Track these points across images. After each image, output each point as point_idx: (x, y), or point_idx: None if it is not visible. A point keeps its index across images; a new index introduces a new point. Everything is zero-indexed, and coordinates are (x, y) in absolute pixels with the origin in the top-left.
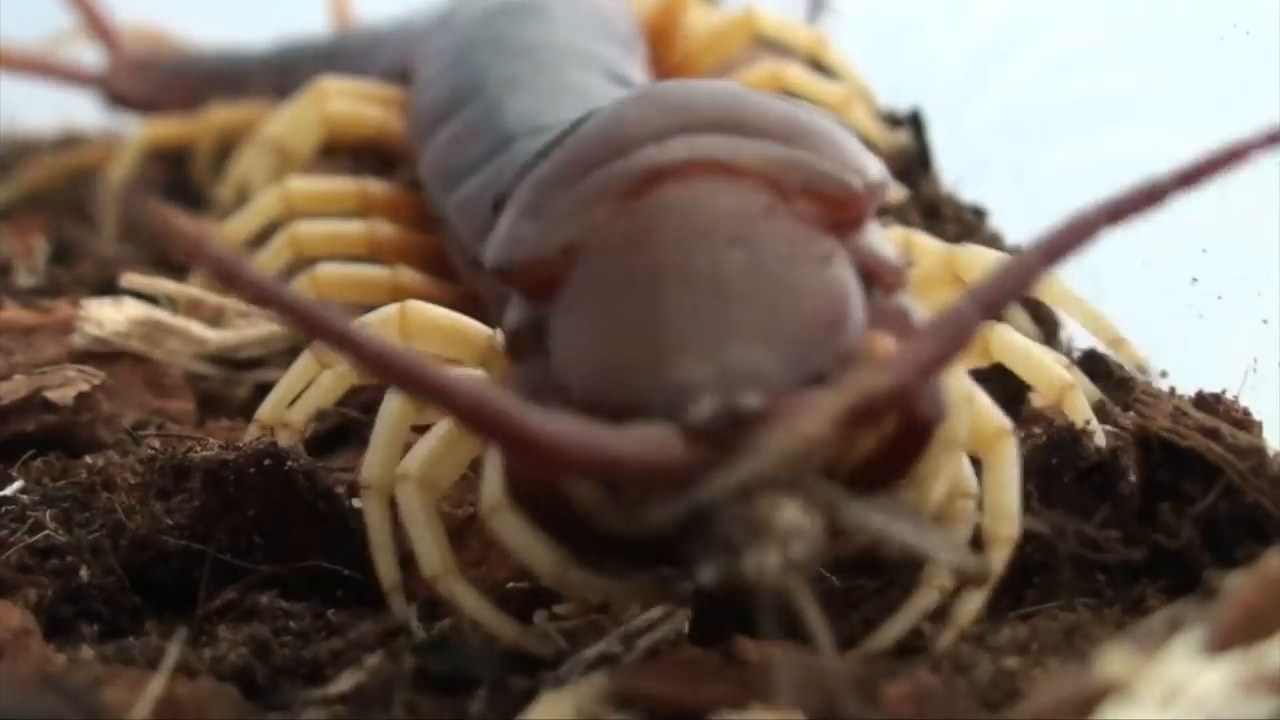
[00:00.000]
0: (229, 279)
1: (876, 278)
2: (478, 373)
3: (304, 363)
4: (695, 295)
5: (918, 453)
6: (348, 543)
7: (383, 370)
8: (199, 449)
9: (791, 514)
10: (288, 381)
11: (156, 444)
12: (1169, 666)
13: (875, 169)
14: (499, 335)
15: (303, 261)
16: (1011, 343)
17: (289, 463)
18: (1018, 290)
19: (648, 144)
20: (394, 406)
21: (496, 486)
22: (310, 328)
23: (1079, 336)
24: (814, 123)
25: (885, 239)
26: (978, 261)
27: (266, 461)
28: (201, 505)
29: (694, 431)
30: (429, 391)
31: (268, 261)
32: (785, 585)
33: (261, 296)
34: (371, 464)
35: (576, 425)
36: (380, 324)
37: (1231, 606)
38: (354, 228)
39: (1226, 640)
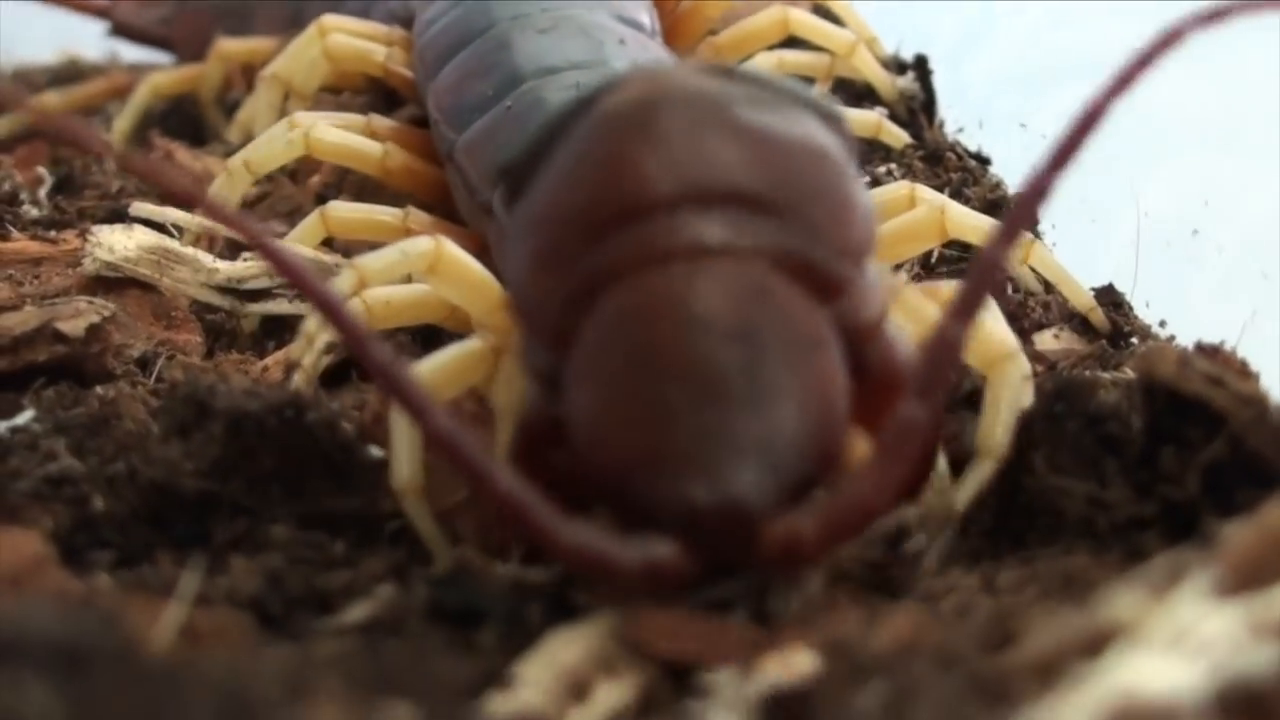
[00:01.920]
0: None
1: (863, 334)
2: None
3: (348, 279)
4: (697, 400)
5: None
6: (363, 492)
7: (435, 438)
8: (221, 386)
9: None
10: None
11: (179, 373)
12: (1177, 609)
13: (867, 224)
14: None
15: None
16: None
17: (310, 414)
18: (947, 368)
19: (658, 211)
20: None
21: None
22: (365, 359)
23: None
24: (821, 182)
25: (872, 284)
26: (965, 221)
27: (288, 412)
28: (221, 453)
29: (691, 538)
30: (471, 471)
31: (276, 153)
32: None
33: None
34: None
35: (588, 533)
36: (415, 256)
37: (1234, 554)
38: (371, 146)
39: (1233, 585)
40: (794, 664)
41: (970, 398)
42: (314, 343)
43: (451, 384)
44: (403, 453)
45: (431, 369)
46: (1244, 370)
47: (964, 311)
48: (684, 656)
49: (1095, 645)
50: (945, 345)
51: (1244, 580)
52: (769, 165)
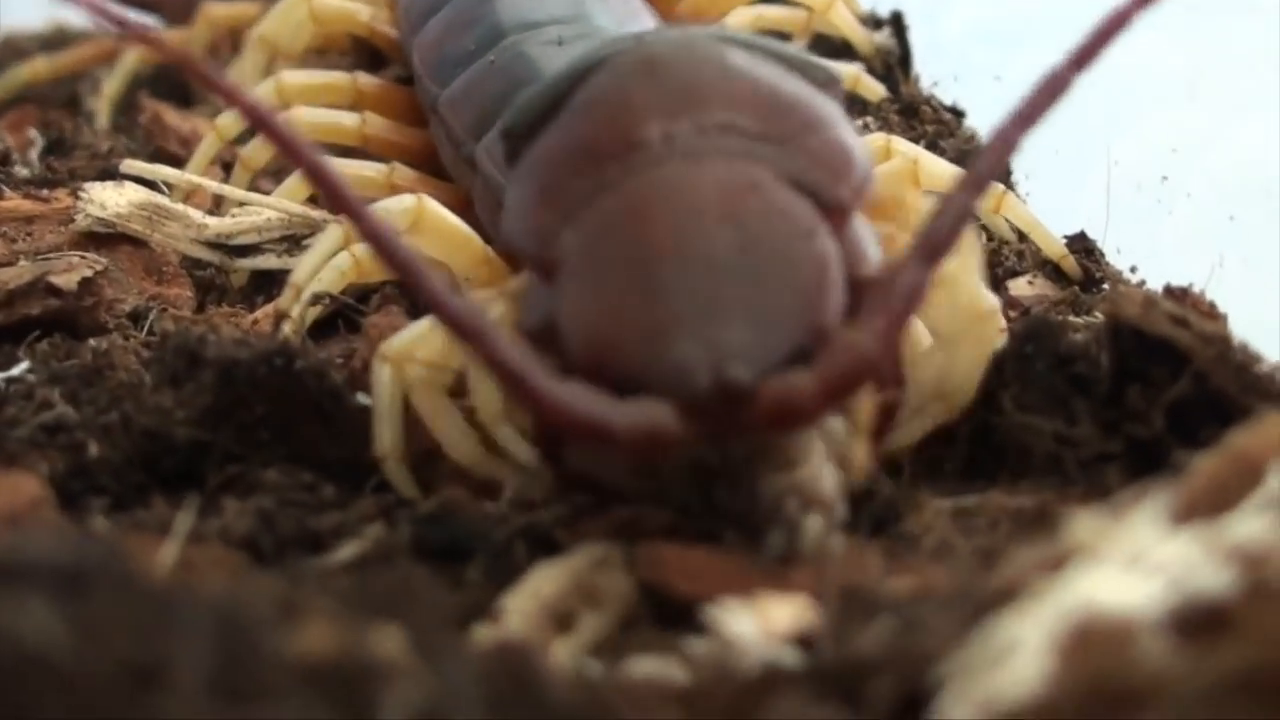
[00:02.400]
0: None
1: (854, 281)
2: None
3: (334, 234)
4: (690, 275)
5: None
6: (351, 438)
7: (439, 311)
8: (212, 336)
9: (832, 482)
10: (320, 251)
11: (170, 325)
12: (1134, 532)
13: (863, 161)
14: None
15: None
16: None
17: (298, 362)
18: (952, 238)
19: (657, 145)
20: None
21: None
22: (371, 239)
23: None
24: (816, 114)
25: (866, 228)
26: (936, 170)
27: (277, 360)
28: (212, 401)
29: (688, 406)
30: (474, 342)
31: (260, 148)
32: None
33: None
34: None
35: (584, 395)
36: (398, 212)
37: (1195, 480)
38: (347, 118)
39: (1190, 512)
40: (796, 607)
41: None
42: (301, 294)
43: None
44: (385, 420)
45: (410, 339)
46: (1211, 312)
47: (979, 178)
48: (703, 597)
49: (1057, 566)
50: (954, 213)
51: (1204, 506)
52: (767, 105)
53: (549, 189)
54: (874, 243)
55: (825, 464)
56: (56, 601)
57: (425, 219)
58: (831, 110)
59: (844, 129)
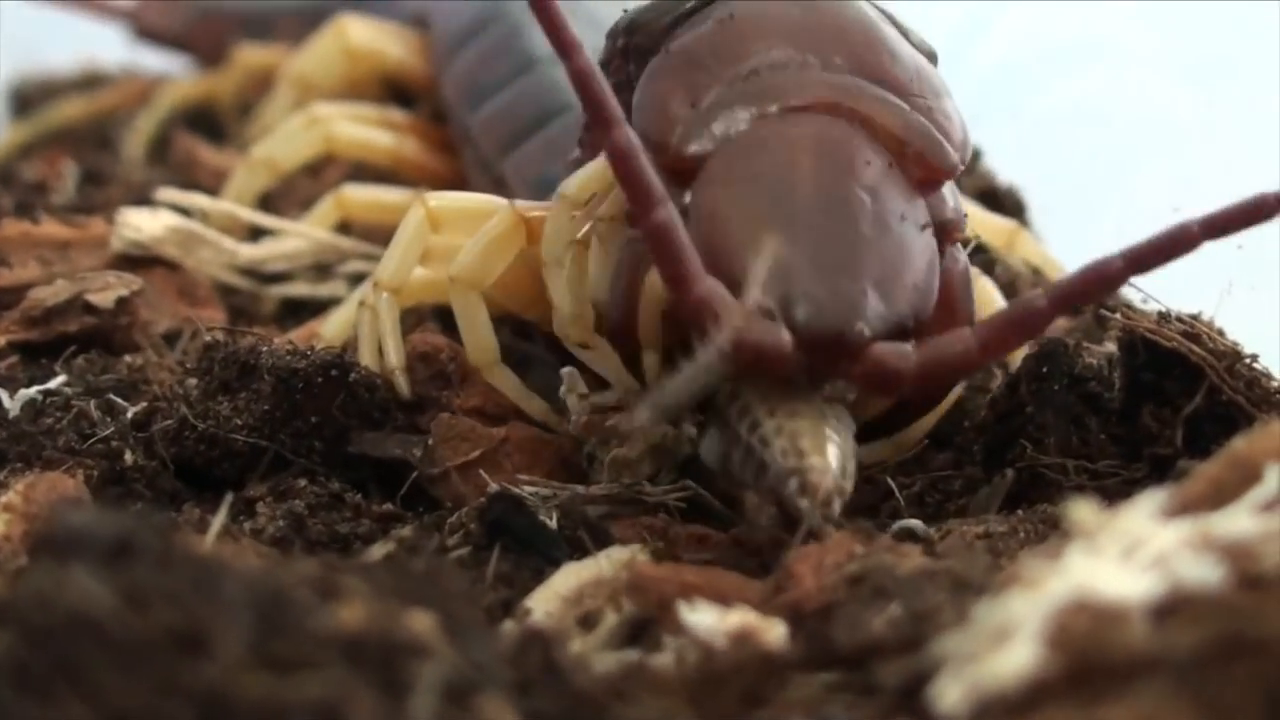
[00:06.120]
0: None
1: (945, 230)
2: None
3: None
4: (831, 224)
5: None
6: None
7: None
8: (264, 346)
9: (833, 482)
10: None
11: (216, 337)
12: (1130, 524)
13: (964, 133)
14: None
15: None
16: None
17: (353, 374)
18: (1090, 296)
19: (799, 65)
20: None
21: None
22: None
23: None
24: (937, 82)
25: (952, 191)
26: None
27: (333, 372)
28: (270, 408)
29: (801, 340)
30: (641, 192)
31: (297, 151)
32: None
33: None
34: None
35: (723, 293)
36: (414, 225)
37: (1196, 482)
38: (382, 137)
39: (1187, 509)
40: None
41: None
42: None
43: (495, 262)
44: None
45: (470, 255)
46: (1220, 334)
47: (1132, 262)
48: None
49: (1057, 553)
50: (1106, 277)
51: (1202, 504)
52: (900, 62)
53: (688, 85)
54: (958, 203)
55: (835, 463)
56: (103, 569)
57: (440, 214)
58: (945, 81)
59: (951, 98)
